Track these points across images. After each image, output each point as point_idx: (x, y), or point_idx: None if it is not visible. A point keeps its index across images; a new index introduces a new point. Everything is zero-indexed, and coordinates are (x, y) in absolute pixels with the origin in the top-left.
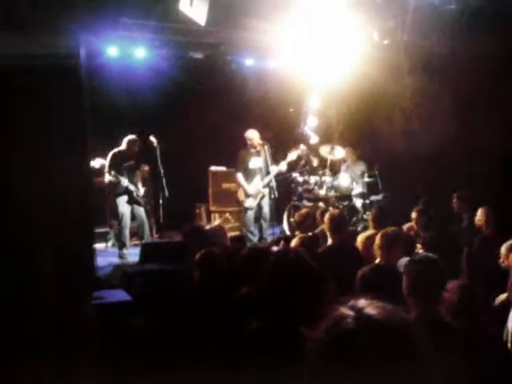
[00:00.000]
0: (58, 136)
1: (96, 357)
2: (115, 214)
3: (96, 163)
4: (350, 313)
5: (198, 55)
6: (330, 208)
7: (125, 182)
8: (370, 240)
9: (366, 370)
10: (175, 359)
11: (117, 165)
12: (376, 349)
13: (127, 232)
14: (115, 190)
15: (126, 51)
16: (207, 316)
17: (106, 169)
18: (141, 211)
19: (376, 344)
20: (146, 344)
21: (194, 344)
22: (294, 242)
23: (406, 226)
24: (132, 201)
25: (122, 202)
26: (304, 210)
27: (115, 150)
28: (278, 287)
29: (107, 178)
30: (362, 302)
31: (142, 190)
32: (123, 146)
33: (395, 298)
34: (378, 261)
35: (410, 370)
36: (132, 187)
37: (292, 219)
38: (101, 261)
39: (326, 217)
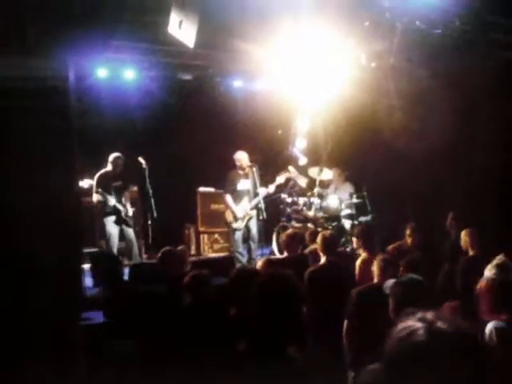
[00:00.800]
0: (46, 157)
1: (84, 378)
2: (104, 234)
3: (85, 183)
4: (420, 325)
5: (187, 77)
6: (319, 229)
7: (112, 201)
8: (364, 264)
9: (436, 381)
10: (163, 380)
11: (104, 185)
12: (447, 361)
13: (115, 252)
14: (103, 209)
15: (115, 73)
16: (196, 337)
17: (94, 188)
18: (130, 232)
19: (447, 356)
20: (135, 365)
21: (183, 365)
22: (258, 264)
23: (390, 247)
24: (120, 221)
25: (110, 222)
26: (291, 230)
27: (101, 171)
28: (265, 308)
29: (95, 197)
30: (431, 315)
31: (130, 211)
32: (108, 165)
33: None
34: (375, 281)
35: (477, 381)
36: (120, 207)
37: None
38: (89, 281)
39: (319, 237)
